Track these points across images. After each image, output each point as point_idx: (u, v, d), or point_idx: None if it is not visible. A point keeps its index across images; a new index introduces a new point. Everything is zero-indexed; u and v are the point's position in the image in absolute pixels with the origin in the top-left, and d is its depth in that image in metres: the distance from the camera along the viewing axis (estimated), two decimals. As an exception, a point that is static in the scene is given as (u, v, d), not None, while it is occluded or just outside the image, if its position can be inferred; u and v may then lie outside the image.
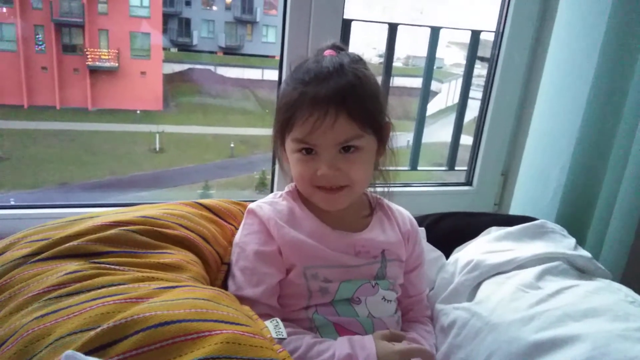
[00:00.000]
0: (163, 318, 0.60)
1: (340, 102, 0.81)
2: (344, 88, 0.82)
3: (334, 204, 0.90)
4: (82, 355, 0.50)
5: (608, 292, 0.96)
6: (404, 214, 1.04)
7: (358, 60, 0.87)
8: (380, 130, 0.88)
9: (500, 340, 0.89)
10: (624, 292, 0.96)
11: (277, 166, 1.28)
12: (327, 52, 0.88)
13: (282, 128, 0.88)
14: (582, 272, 1.07)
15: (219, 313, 0.65)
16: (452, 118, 1.68)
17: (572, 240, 1.16)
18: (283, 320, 0.75)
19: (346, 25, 1.32)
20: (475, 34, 1.59)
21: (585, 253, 1.10)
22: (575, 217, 1.34)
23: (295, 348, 0.80)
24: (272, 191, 1.37)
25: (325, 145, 0.83)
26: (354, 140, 0.84)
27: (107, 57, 4.90)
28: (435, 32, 1.56)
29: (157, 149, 5.32)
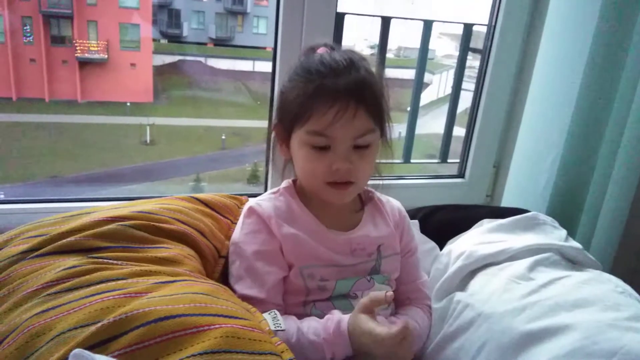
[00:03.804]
0: (162, 313, 0.61)
1: (359, 96, 0.82)
2: (362, 82, 0.83)
3: (342, 198, 0.90)
4: (90, 353, 0.51)
5: (598, 283, 0.97)
6: (394, 204, 1.05)
7: (363, 58, 0.88)
8: (384, 127, 0.90)
9: (493, 330, 0.90)
10: (614, 282, 0.98)
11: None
12: (321, 50, 0.89)
13: (293, 121, 0.86)
14: (573, 263, 1.09)
15: (218, 307, 0.65)
16: (444, 109, 1.69)
17: (563, 232, 1.17)
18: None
19: (339, 18, 1.32)
20: (468, 27, 1.60)
21: (576, 244, 1.12)
22: (566, 209, 1.36)
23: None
24: (266, 189, 1.36)
25: (343, 138, 0.83)
26: (368, 135, 0.85)
27: (96, 48, 4.84)
28: (428, 25, 1.57)
29: (148, 142, 5.28)
